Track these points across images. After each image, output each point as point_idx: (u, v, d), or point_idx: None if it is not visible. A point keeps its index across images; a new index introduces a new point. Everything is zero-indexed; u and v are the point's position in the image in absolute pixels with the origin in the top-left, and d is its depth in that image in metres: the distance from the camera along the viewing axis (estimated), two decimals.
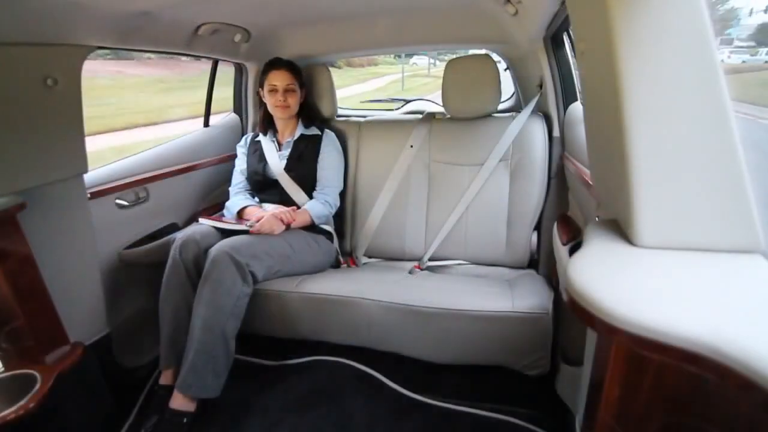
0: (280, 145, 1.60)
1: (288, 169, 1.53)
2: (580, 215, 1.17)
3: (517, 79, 1.83)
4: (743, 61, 6.40)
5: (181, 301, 1.23)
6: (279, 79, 1.50)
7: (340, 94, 1.84)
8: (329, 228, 1.56)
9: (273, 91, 1.51)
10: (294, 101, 1.53)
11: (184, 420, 1.15)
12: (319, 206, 1.49)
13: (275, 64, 1.52)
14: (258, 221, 1.34)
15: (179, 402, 1.15)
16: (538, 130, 1.47)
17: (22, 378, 1.00)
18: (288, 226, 1.39)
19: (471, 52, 2.06)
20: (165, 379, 1.24)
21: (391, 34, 1.57)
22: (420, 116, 1.68)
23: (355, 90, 12.44)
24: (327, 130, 1.62)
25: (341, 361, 1.37)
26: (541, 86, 1.52)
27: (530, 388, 1.23)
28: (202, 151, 1.63)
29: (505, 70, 1.83)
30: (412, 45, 1.66)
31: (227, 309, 1.18)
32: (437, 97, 1.76)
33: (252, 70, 1.76)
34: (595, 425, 0.56)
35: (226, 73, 1.77)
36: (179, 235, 1.28)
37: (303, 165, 1.54)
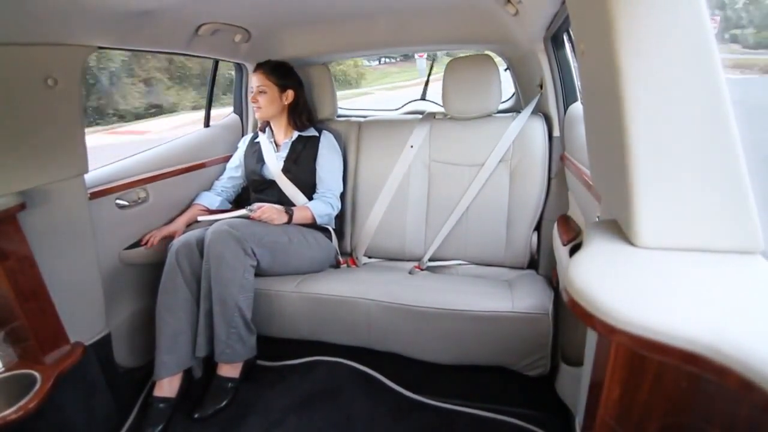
0: (278, 146, 1.60)
1: (285, 170, 1.53)
2: (580, 215, 1.17)
3: (517, 79, 1.83)
4: None
5: (179, 307, 1.23)
6: (253, 80, 1.53)
7: None
8: (328, 227, 1.56)
9: (251, 92, 1.54)
10: (264, 102, 1.52)
11: (229, 385, 1.26)
12: (321, 205, 1.49)
13: (257, 65, 1.55)
14: (259, 209, 1.36)
15: (223, 369, 1.27)
16: (539, 130, 1.47)
17: (22, 378, 1.00)
18: (289, 220, 1.40)
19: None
20: (159, 390, 1.21)
21: (391, 34, 1.57)
22: (420, 116, 1.68)
23: None
24: (325, 132, 1.62)
25: (341, 361, 1.37)
26: (541, 86, 1.52)
27: (530, 388, 1.23)
28: (202, 151, 1.63)
29: (505, 70, 1.83)
30: (412, 45, 1.66)
31: (235, 282, 1.21)
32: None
33: (252, 71, 1.76)
34: (595, 425, 0.56)
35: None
36: (175, 241, 1.29)
37: (300, 166, 1.54)
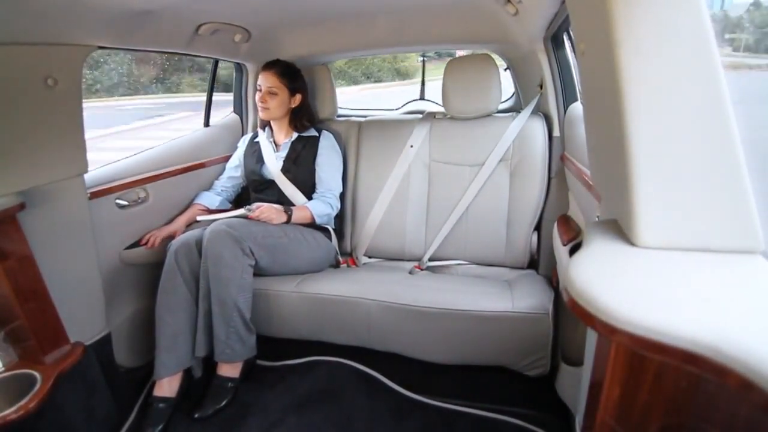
0: (277, 146, 1.60)
1: (285, 170, 1.53)
2: (580, 215, 1.17)
3: (517, 79, 1.83)
4: None
5: (179, 307, 1.23)
6: (264, 80, 1.51)
7: None
8: (328, 226, 1.56)
9: (258, 90, 1.53)
10: (274, 104, 1.51)
11: (229, 384, 1.26)
12: (321, 205, 1.49)
13: (267, 65, 1.53)
14: (258, 209, 1.36)
15: (223, 369, 1.27)
16: (539, 130, 1.47)
17: (22, 378, 1.00)
18: (288, 220, 1.40)
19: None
20: (159, 389, 1.21)
21: (391, 34, 1.57)
22: (420, 116, 1.68)
23: None
24: (325, 131, 1.62)
25: (341, 361, 1.37)
26: (541, 86, 1.52)
27: (530, 388, 1.23)
28: (202, 151, 1.63)
29: (505, 70, 1.83)
30: (412, 45, 1.66)
31: (234, 282, 1.21)
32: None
33: (252, 70, 1.76)
34: (594, 425, 0.56)
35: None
36: (174, 241, 1.29)
37: (300, 166, 1.54)
